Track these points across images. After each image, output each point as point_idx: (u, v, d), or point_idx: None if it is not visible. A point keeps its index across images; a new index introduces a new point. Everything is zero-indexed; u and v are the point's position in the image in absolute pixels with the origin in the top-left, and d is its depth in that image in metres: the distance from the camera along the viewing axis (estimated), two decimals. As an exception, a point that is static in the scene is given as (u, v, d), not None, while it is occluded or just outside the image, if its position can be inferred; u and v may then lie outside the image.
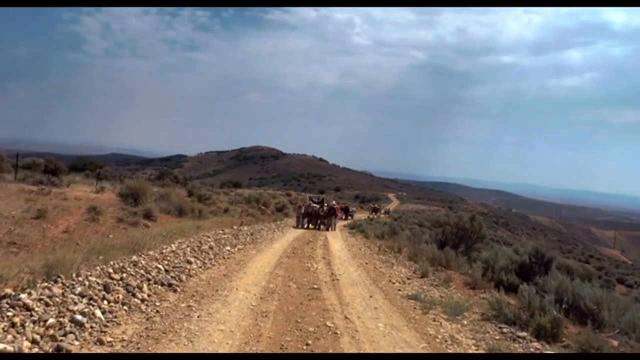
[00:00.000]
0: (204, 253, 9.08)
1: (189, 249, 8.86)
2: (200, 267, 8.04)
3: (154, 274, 6.52)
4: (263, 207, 29.26)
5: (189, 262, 7.93)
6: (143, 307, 5.35)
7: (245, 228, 16.24)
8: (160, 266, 6.97)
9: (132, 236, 9.13)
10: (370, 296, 7.28)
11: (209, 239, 10.73)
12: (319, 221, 21.60)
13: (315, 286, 7.62)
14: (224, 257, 9.47)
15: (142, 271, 6.37)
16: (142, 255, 7.17)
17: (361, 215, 39.14)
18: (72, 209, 11.98)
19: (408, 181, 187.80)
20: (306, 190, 74.20)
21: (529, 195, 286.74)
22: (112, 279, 5.66)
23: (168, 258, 7.65)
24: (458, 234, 17.78)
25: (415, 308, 6.82)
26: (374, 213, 42.46)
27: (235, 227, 15.47)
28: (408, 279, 9.57)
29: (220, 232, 12.97)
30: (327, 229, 21.16)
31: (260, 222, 21.75)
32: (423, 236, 22.83)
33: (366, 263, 11.28)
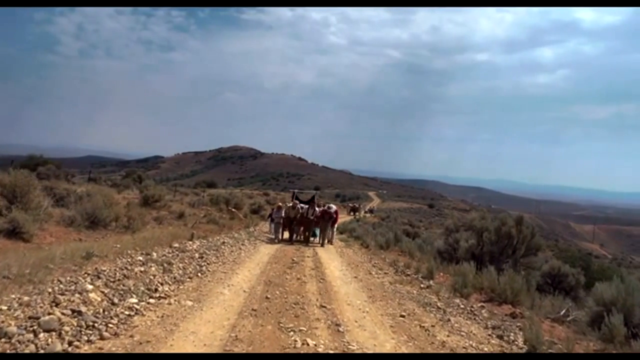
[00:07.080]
0: (42, 333, 3.67)
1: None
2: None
3: None
4: (233, 210, 23.78)
5: None
6: None
7: (197, 244, 10.80)
8: None
9: None
10: None
11: (95, 283, 5.28)
12: (307, 231, 14.97)
13: None
14: (101, 337, 4.08)
15: None
16: None
17: (341, 216, 32.04)
18: None
19: (387, 179, 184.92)
20: (285, 190, 68.67)
21: (506, 191, 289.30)
22: None
23: None
24: (499, 244, 12.95)
25: None
26: (352, 213, 37.23)
27: (178, 245, 10.02)
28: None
29: (141, 258, 7.49)
30: (321, 244, 14.49)
31: (225, 230, 16.23)
32: (435, 243, 18.02)
33: (402, 315, 6.09)
